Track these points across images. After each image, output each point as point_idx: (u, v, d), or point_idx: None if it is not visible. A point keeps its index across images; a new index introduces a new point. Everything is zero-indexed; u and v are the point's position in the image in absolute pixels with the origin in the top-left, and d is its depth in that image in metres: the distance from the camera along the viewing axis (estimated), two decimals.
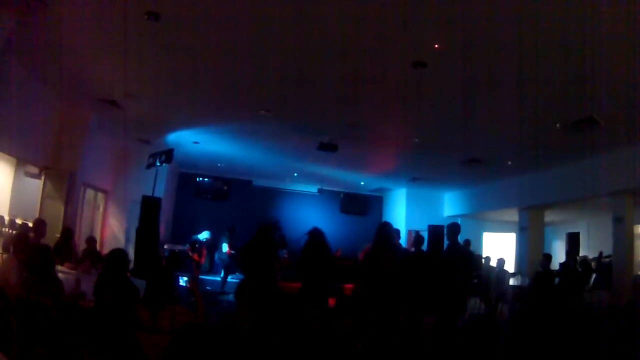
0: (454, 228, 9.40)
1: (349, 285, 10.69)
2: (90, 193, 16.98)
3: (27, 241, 7.43)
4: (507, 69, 8.61)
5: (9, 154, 12.67)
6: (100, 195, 18.19)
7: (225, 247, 16.99)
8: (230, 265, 16.74)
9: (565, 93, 9.49)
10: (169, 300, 5.26)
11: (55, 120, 13.09)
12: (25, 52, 9.79)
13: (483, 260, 16.39)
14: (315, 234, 10.07)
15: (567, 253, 19.88)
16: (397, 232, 10.70)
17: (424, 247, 11.67)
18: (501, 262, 15.07)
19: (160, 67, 10.08)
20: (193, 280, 8.72)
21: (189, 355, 4.96)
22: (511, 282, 15.44)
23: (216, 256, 17.86)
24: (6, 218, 14.55)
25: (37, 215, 11.79)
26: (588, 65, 8.03)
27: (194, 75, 10.43)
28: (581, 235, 21.00)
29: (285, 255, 17.68)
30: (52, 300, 5.78)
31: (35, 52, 9.82)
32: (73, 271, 9.04)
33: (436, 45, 7.86)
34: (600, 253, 15.32)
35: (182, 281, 13.67)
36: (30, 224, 10.50)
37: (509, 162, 15.58)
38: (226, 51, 8.96)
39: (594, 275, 14.92)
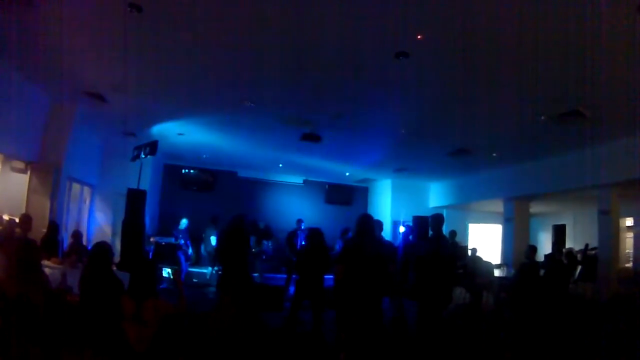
0: (438, 219, 9.47)
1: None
2: (76, 187, 17.02)
3: (12, 236, 7.47)
4: (491, 60, 8.71)
5: None
6: (86, 189, 18.24)
7: (214, 240, 17.04)
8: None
9: (551, 85, 9.59)
10: (152, 292, 5.39)
11: (40, 115, 13.11)
12: (9, 48, 9.79)
13: (469, 251, 16.61)
14: (315, 237, 10.25)
15: (553, 245, 20.15)
16: (380, 223, 10.84)
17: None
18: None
19: (144, 60, 10.09)
20: (176, 272, 8.79)
21: (173, 346, 5.16)
22: (496, 273, 15.63)
23: (202, 248, 17.92)
24: None
25: (23, 211, 11.78)
26: (574, 58, 8.23)
27: (178, 67, 10.44)
28: (567, 227, 21.31)
29: (270, 246, 17.87)
30: (38, 295, 5.81)
31: (20, 48, 9.79)
32: (59, 266, 9.05)
33: (419, 36, 7.93)
34: (586, 245, 15.52)
35: (166, 273, 13.69)
36: (17, 220, 10.50)
37: (494, 154, 15.75)
38: (209, 43, 9.01)
39: (579, 268, 15.16)
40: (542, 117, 11.30)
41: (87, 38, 9.19)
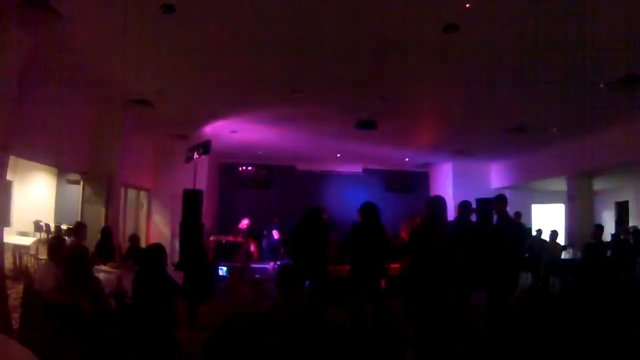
0: (501, 200, 9.03)
1: (395, 265, 10.29)
2: (132, 192, 17.16)
3: (62, 245, 7.36)
4: (546, 27, 8.10)
5: (50, 165, 12.91)
6: (142, 193, 18.54)
7: (274, 234, 16.89)
8: (279, 252, 16.57)
9: (609, 49, 8.87)
10: (207, 294, 5.12)
11: (89, 127, 13.36)
12: (51, 65, 9.95)
13: (535, 233, 16.06)
14: (367, 211, 9.68)
15: (616, 223, 19.32)
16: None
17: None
18: (553, 234, 14.64)
19: (184, 61, 10.02)
20: (235, 271, 8.57)
21: (227, 350, 4.81)
22: (563, 255, 15.00)
23: (264, 243, 17.77)
24: (52, 225, 14.83)
25: (78, 220, 11.91)
26: (634, 18, 7.61)
27: (220, 66, 10.28)
28: (630, 203, 20.39)
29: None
30: (89, 302, 5.72)
31: (61, 64, 9.93)
32: (115, 270, 9.03)
33: (467, 5, 7.40)
34: None
35: (223, 271, 13.58)
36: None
37: (554, 129, 15.05)
38: (247, 38, 8.80)
39: None
40: (602, 85, 10.56)
41: (125, 46, 9.14)
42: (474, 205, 14.43)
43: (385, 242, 9.18)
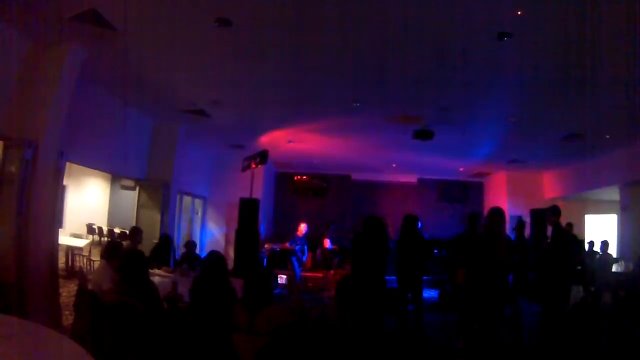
0: (555, 211, 8.94)
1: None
2: (187, 199, 17.32)
3: (119, 248, 7.41)
4: (597, 32, 7.78)
5: (104, 171, 13.16)
6: (197, 200, 18.73)
7: (327, 243, 16.79)
8: (332, 261, 16.44)
9: None
10: (267, 301, 5.02)
11: (145, 136, 13.77)
12: (108, 77, 10.30)
13: (587, 244, 15.65)
14: (409, 223, 9.72)
15: None
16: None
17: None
18: (605, 245, 14.20)
19: (241, 73, 10.08)
20: (291, 278, 8.54)
21: (281, 357, 4.70)
22: (614, 268, 14.53)
23: (318, 252, 17.68)
24: (105, 228, 15.09)
25: (133, 224, 12.18)
26: None
27: (276, 77, 10.31)
28: None
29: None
30: (144, 304, 5.69)
31: (117, 76, 10.11)
32: (170, 274, 9.18)
33: (519, 12, 7.32)
34: None
35: (282, 280, 13.59)
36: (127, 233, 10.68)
37: (607, 136, 14.61)
38: (305, 49, 8.80)
39: None
40: None
41: (178, 58, 9.35)
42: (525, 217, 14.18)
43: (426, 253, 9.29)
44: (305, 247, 16.87)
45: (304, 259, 17.02)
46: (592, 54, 8.62)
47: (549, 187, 22.16)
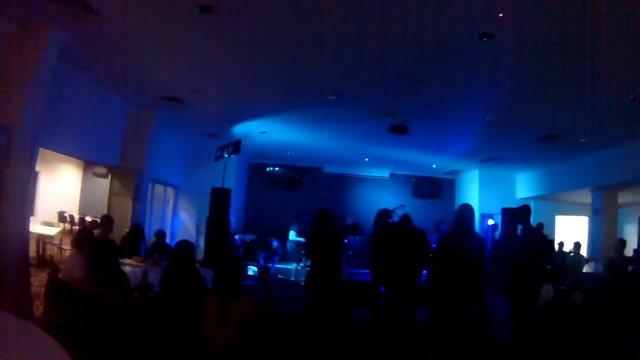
0: (525, 210, 8.99)
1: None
2: (159, 188, 17.38)
3: (90, 236, 7.38)
4: (578, 38, 7.94)
5: (77, 158, 12.98)
6: (170, 189, 18.75)
7: (292, 235, 16.80)
8: (299, 254, 16.52)
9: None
10: (237, 291, 5.06)
11: (119, 122, 13.44)
12: (86, 60, 10.11)
13: (557, 245, 15.89)
14: (379, 217, 9.84)
15: (639, 238, 19.05)
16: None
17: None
18: (577, 246, 14.44)
19: (220, 61, 10.06)
20: (263, 270, 8.57)
21: (257, 348, 4.75)
22: (585, 268, 14.79)
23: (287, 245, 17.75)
24: (76, 217, 14.95)
25: (105, 212, 11.97)
26: None
27: (255, 67, 10.27)
28: None
29: (358, 242, 17.53)
30: (115, 293, 5.81)
31: (96, 60, 10.10)
32: (141, 264, 9.15)
33: (500, 14, 7.40)
34: None
35: (251, 271, 13.58)
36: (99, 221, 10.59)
37: (582, 139, 14.86)
38: (284, 41, 8.81)
39: None
40: (631, 97, 10.41)
41: (161, 44, 9.24)
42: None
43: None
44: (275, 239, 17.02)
45: (280, 250, 17.12)
46: (571, 58, 8.81)
47: (522, 187, 22.46)
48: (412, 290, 9.16)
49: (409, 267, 9.04)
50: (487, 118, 13.22)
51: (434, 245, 11.96)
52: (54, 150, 12.11)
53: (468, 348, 7.07)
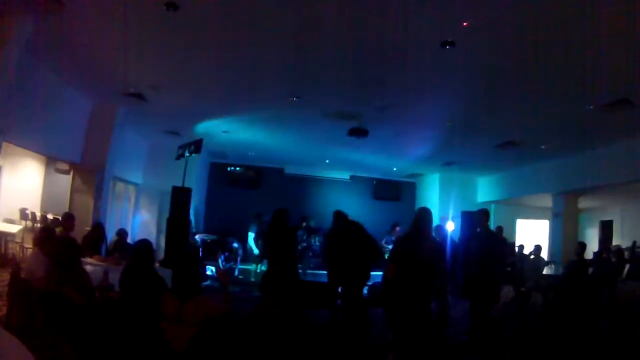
0: (484, 214, 9.22)
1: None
2: (120, 186, 17.25)
3: (52, 235, 7.39)
4: (539, 49, 8.31)
5: (39, 153, 12.83)
6: (131, 187, 18.58)
7: (251, 236, 16.86)
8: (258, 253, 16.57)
9: (599, 73, 9.08)
10: (196, 290, 5.16)
11: (82, 117, 13.30)
12: (48, 53, 9.97)
13: (517, 248, 16.15)
14: (337, 217, 9.97)
15: (600, 242, 19.49)
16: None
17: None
18: (537, 249, 14.74)
19: (183, 59, 10.06)
20: (222, 271, 8.64)
21: (212, 347, 4.88)
22: (545, 270, 15.12)
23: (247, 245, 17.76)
24: (38, 214, 14.78)
25: (67, 210, 11.90)
26: (623, 45, 7.78)
27: (219, 65, 10.33)
28: (614, 223, 20.65)
29: (318, 243, 17.64)
30: (77, 292, 5.77)
31: (59, 53, 9.98)
32: (102, 263, 9.02)
33: (464, 24, 7.57)
34: (634, 243, 14.96)
35: (210, 271, 13.59)
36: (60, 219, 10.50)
37: (543, 146, 15.20)
38: (250, 40, 8.83)
39: (627, 266, 14.55)
40: (591, 107, 10.75)
41: (126, 40, 9.15)
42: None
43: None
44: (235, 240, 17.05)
45: (240, 251, 17.13)
46: (530, 68, 9.13)
47: (483, 191, 22.78)
48: (361, 291, 9.40)
49: (358, 268, 9.25)
50: (448, 123, 13.44)
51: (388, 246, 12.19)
52: (17, 145, 11.93)
53: (424, 345, 7.25)
